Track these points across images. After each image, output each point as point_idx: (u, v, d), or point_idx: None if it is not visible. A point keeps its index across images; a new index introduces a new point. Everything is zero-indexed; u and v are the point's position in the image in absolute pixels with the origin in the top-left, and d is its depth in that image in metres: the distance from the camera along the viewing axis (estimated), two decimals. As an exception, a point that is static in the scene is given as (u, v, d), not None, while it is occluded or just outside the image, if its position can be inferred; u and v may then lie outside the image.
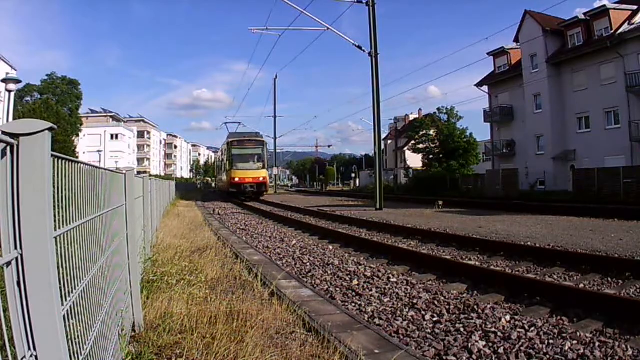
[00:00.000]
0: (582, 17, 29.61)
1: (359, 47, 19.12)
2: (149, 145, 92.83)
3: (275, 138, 49.14)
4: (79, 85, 53.58)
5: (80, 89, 53.50)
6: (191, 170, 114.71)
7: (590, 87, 28.48)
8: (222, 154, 34.15)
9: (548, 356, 3.23)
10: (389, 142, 64.43)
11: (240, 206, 22.82)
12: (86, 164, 2.06)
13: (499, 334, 3.67)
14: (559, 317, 4.22)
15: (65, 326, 1.38)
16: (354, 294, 5.20)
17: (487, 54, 36.37)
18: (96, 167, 2.34)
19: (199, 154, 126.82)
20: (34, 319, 1.23)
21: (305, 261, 7.27)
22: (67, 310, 1.47)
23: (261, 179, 27.53)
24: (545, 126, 30.96)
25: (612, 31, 27.17)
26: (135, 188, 4.26)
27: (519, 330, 3.75)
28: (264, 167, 27.98)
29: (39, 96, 49.83)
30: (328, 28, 19.59)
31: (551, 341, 3.47)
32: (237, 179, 26.88)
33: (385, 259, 7.40)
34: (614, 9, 28.16)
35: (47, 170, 1.31)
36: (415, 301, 4.70)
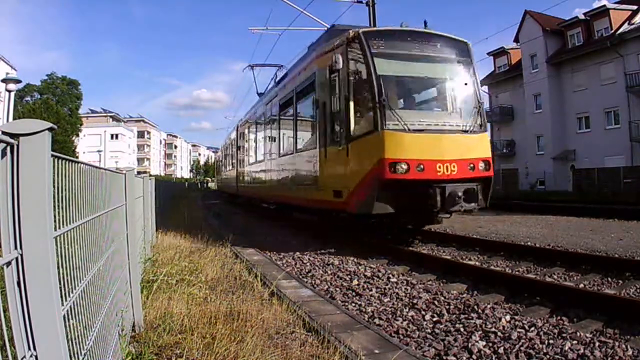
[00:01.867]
0: (582, 17, 29.66)
1: (359, 47, 19.04)
2: (149, 145, 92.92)
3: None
4: (79, 85, 53.86)
5: (80, 89, 53.77)
6: (191, 170, 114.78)
7: (590, 87, 28.50)
8: (281, 104, 11.86)
9: (548, 356, 3.23)
10: (389, 142, 64.16)
11: (241, 207, 20.16)
12: (86, 164, 2.06)
13: (499, 334, 3.67)
14: (559, 317, 4.22)
15: (65, 326, 1.38)
16: (354, 294, 5.19)
17: (487, 54, 36.50)
18: (96, 167, 2.34)
19: (199, 154, 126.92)
20: (34, 319, 1.23)
21: (305, 261, 7.27)
22: (67, 310, 1.47)
23: (481, 164, 7.39)
24: (545, 126, 30.99)
25: (612, 31, 27.20)
26: (135, 188, 4.26)
27: (519, 330, 3.75)
28: (482, 128, 7.78)
29: (39, 96, 49.98)
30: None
31: (551, 341, 3.47)
32: (404, 166, 6.59)
33: (385, 259, 7.40)
34: (614, 9, 28.20)
35: (47, 170, 1.31)
36: (415, 301, 4.70)
